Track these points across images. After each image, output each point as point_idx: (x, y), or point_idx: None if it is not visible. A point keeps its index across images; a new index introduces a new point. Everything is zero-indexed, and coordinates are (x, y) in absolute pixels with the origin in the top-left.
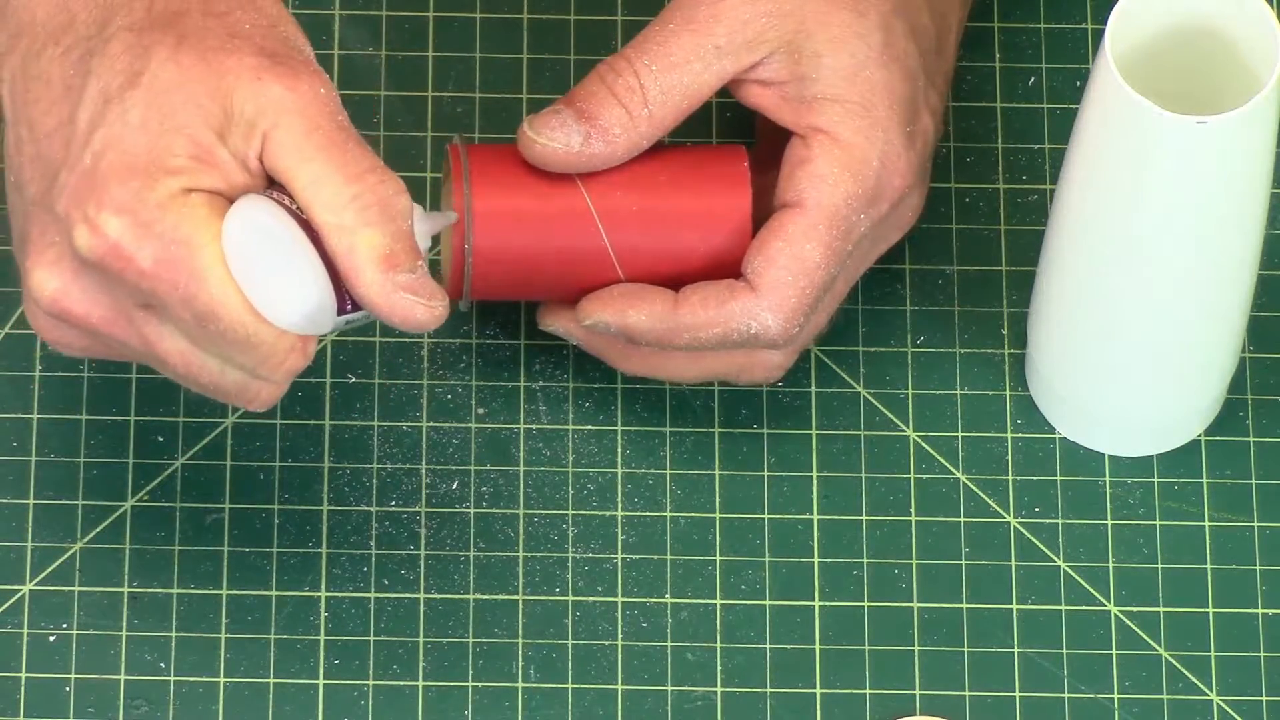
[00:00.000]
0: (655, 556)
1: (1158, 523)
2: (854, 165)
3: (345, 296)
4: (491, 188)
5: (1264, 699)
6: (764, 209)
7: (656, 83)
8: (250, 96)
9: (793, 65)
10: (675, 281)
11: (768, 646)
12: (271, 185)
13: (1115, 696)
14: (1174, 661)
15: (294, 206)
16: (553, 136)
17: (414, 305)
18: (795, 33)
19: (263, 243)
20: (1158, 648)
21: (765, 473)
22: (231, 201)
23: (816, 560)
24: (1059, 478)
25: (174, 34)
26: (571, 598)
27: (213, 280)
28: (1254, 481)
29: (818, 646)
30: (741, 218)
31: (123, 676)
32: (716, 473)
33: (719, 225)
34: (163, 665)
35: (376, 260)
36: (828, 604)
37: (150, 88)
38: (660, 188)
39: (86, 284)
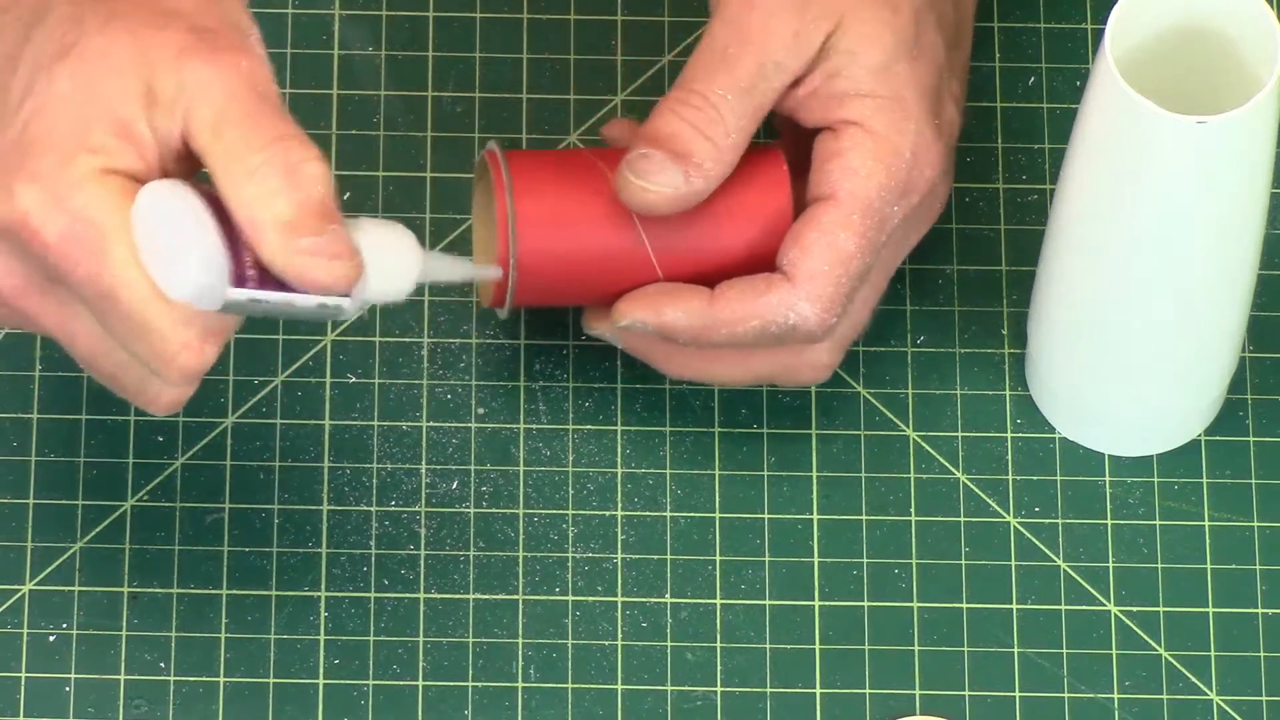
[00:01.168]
0: (655, 556)
1: (1158, 523)
2: (886, 157)
3: (254, 272)
4: (534, 196)
5: (1264, 699)
6: (795, 205)
7: (733, 110)
8: (171, 74)
9: (825, 62)
10: (715, 282)
11: (768, 646)
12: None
13: (1115, 696)
14: (1174, 661)
15: (211, 189)
16: (660, 182)
17: (314, 265)
18: (833, 31)
19: (163, 220)
20: (1158, 648)
21: (765, 473)
22: None
23: (816, 560)
24: (1059, 478)
25: (107, 8)
26: (571, 598)
27: (115, 260)
28: (1254, 481)
29: (818, 646)
30: (781, 218)
31: (122, 676)
32: (716, 473)
33: (758, 224)
34: (162, 665)
35: (278, 226)
36: (828, 604)
37: (79, 59)
38: None
39: (1, 251)
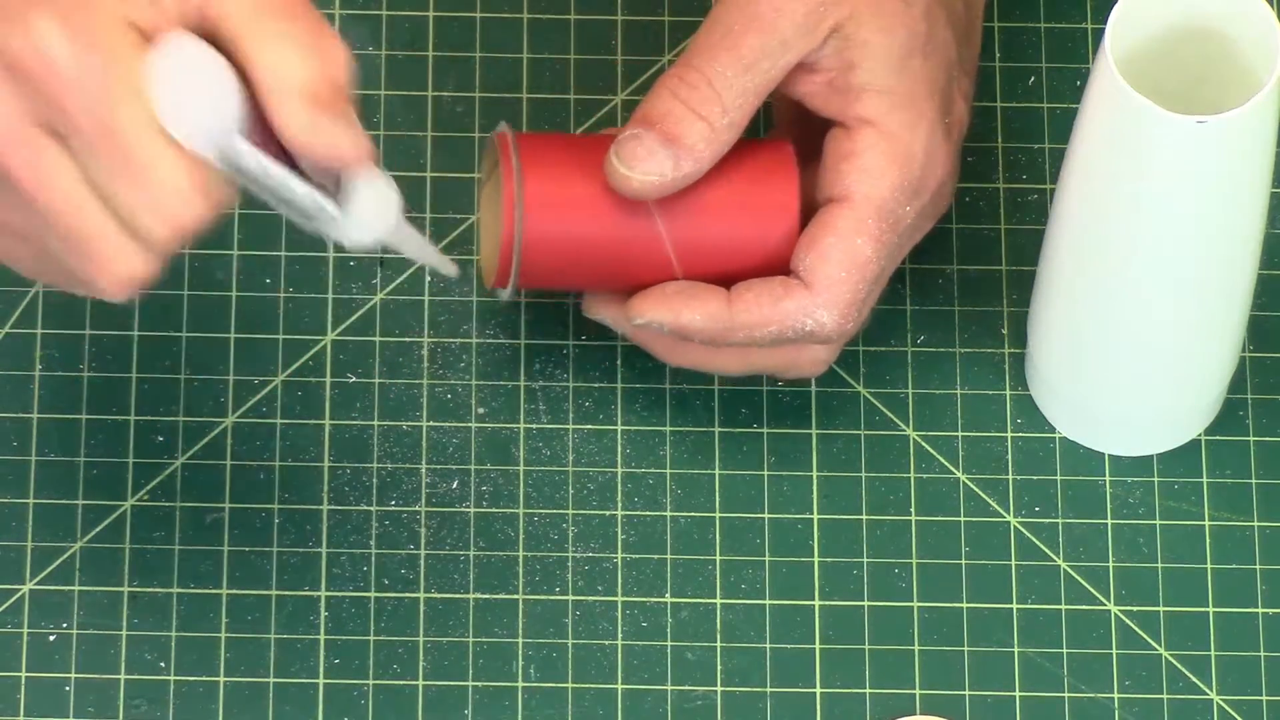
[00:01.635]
0: (655, 556)
1: (1158, 522)
2: (900, 158)
3: (266, 142)
4: (543, 175)
5: (1264, 699)
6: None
7: (731, 89)
8: None
9: (842, 51)
10: (724, 273)
11: (768, 646)
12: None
13: (1115, 696)
14: (1174, 661)
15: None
16: (647, 170)
17: (334, 130)
18: (847, 19)
19: (183, 64)
20: (1158, 647)
21: (765, 472)
22: None
23: (816, 560)
24: (1059, 477)
25: None
26: (571, 597)
27: (124, 96)
28: (1254, 481)
29: (818, 646)
30: (789, 211)
31: (122, 676)
32: (716, 472)
33: (768, 217)
34: (162, 665)
35: (302, 93)
36: (828, 604)
37: None
38: (709, 179)
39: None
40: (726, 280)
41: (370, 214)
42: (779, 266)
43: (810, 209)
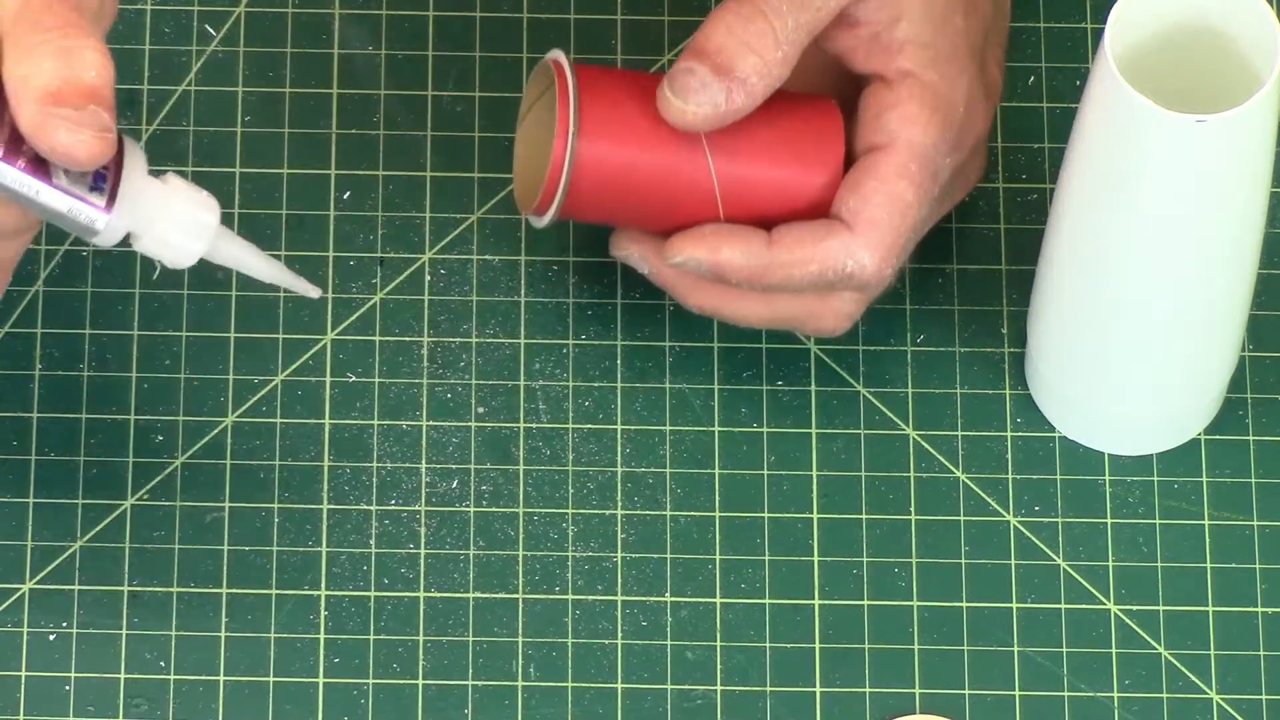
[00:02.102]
0: (655, 555)
1: (1158, 522)
2: (942, 108)
3: (12, 147)
4: (598, 100)
5: (1264, 698)
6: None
7: (785, 23)
8: None
9: (884, 3)
10: (765, 216)
11: (767, 645)
12: None
13: (1115, 695)
14: (1174, 660)
15: None
16: (700, 100)
17: (59, 128)
18: None
19: None
20: (1157, 646)
21: (765, 472)
22: None
23: (816, 559)
24: (1059, 477)
25: None
26: (571, 596)
27: None
28: (1254, 480)
29: (817, 645)
30: (835, 157)
31: (122, 675)
32: (716, 472)
33: (814, 163)
34: (162, 664)
35: (39, 92)
36: (827, 603)
37: None
38: (758, 121)
39: None
40: (767, 225)
41: (173, 231)
42: (820, 214)
43: (849, 162)
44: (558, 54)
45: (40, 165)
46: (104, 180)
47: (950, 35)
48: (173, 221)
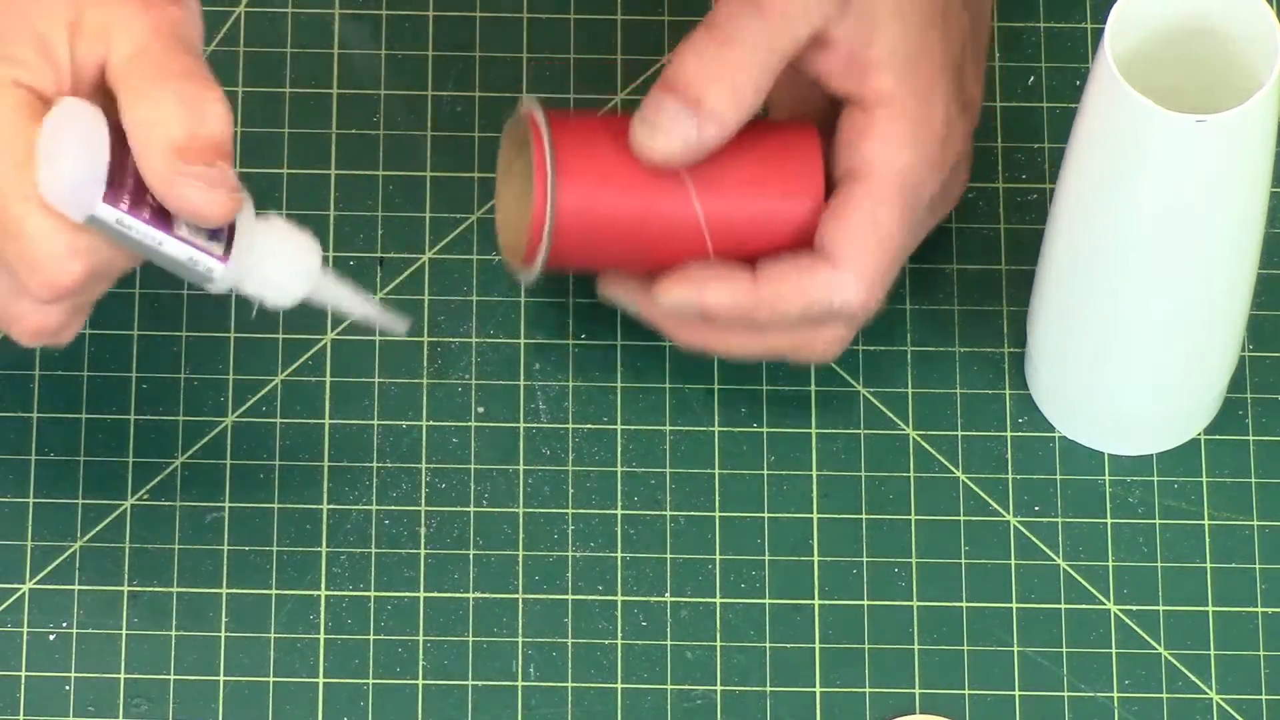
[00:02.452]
0: (655, 555)
1: (1157, 522)
2: (919, 131)
3: (132, 200)
4: (575, 150)
5: (1264, 698)
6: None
7: (757, 51)
8: (101, 9)
9: (859, 23)
10: (750, 252)
11: (767, 645)
12: None
13: (1115, 695)
14: (1174, 660)
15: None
16: (670, 135)
17: (191, 189)
18: None
19: (62, 127)
20: (1157, 646)
21: (765, 471)
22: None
23: (816, 559)
24: (1059, 477)
25: None
26: (571, 596)
27: (4, 166)
28: (1254, 481)
29: (817, 645)
30: (815, 185)
31: (123, 675)
32: (716, 471)
33: (794, 193)
34: (163, 664)
35: (165, 146)
36: (827, 603)
37: None
38: (736, 154)
39: None
40: (751, 256)
41: (279, 272)
42: (805, 240)
43: (828, 188)
44: (532, 105)
45: (164, 216)
46: (221, 230)
47: (926, 55)
48: (278, 264)
